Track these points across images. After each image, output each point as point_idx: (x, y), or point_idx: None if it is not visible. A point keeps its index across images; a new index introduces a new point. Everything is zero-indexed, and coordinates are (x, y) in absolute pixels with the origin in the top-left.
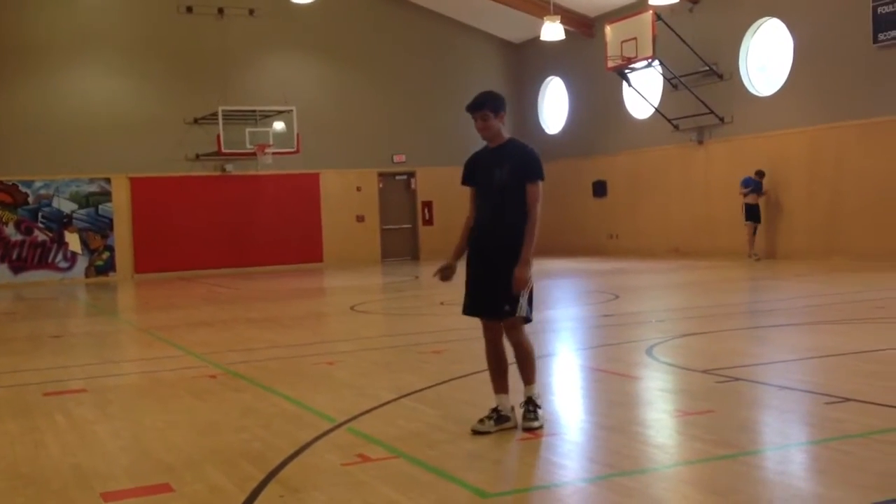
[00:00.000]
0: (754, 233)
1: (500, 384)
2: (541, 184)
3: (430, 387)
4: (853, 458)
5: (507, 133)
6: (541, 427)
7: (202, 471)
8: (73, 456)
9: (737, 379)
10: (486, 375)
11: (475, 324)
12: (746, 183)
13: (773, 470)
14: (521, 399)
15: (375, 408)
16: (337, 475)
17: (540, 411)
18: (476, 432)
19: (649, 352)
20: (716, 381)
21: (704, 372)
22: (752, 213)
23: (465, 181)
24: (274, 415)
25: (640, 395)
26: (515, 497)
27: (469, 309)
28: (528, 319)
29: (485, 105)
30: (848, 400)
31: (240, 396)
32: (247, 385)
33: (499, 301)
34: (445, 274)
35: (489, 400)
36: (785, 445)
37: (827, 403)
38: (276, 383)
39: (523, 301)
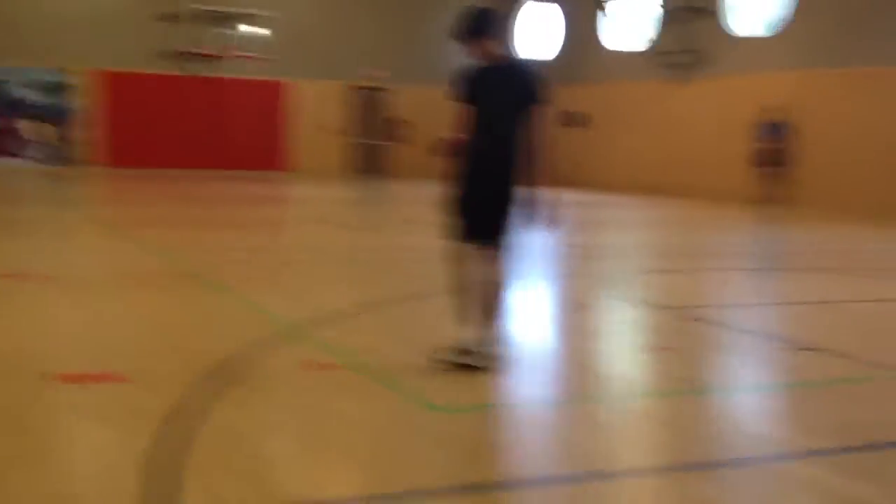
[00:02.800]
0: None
1: (466, 316)
2: (549, 109)
3: (388, 301)
4: (813, 405)
5: (505, 50)
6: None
7: (157, 362)
8: (29, 339)
9: (700, 319)
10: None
11: (439, 244)
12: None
13: (730, 409)
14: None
15: (332, 317)
16: (287, 378)
17: (490, 352)
18: (435, 362)
19: (614, 285)
20: (679, 318)
21: (668, 308)
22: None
23: (463, 98)
24: (230, 315)
25: (598, 328)
26: (464, 414)
27: (465, 233)
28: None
29: (478, 32)
30: (812, 349)
31: (197, 295)
32: (205, 284)
33: (493, 228)
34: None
35: (444, 319)
36: (745, 388)
37: (790, 350)
38: (234, 285)
39: (510, 230)
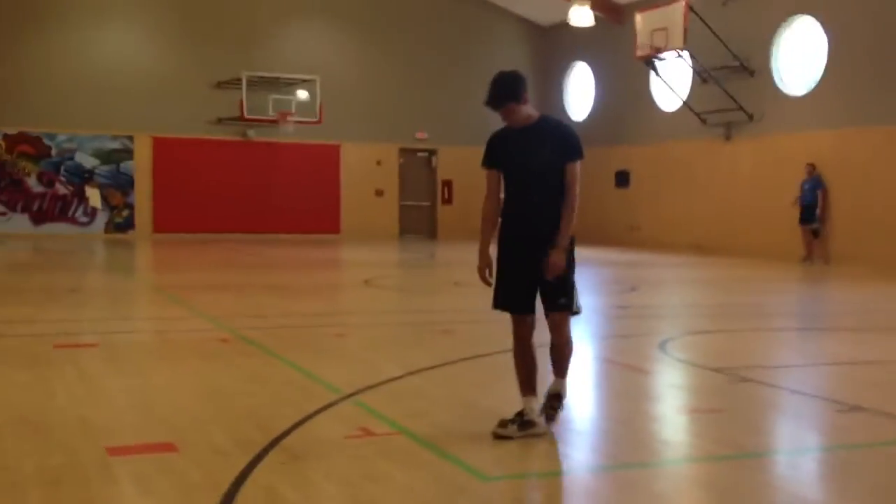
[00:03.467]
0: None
1: (529, 385)
2: (580, 163)
3: (438, 366)
4: (856, 468)
5: (534, 111)
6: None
7: (206, 433)
8: (81, 408)
9: (748, 380)
10: (497, 358)
11: (488, 306)
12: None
13: (774, 474)
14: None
15: (382, 383)
16: (339, 447)
17: (565, 401)
18: (497, 437)
19: (662, 346)
20: (727, 380)
21: (716, 370)
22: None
23: (489, 164)
24: (281, 382)
25: (650, 390)
26: (514, 482)
27: (503, 302)
28: (577, 312)
29: (504, 100)
30: (858, 409)
31: (249, 362)
32: (257, 351)
33: (552, 293)
34: (485, 277)
35: (497, 383)
36: (789, 450)
37: (837, 411)
38: (286, 351)
39: (576, 293)
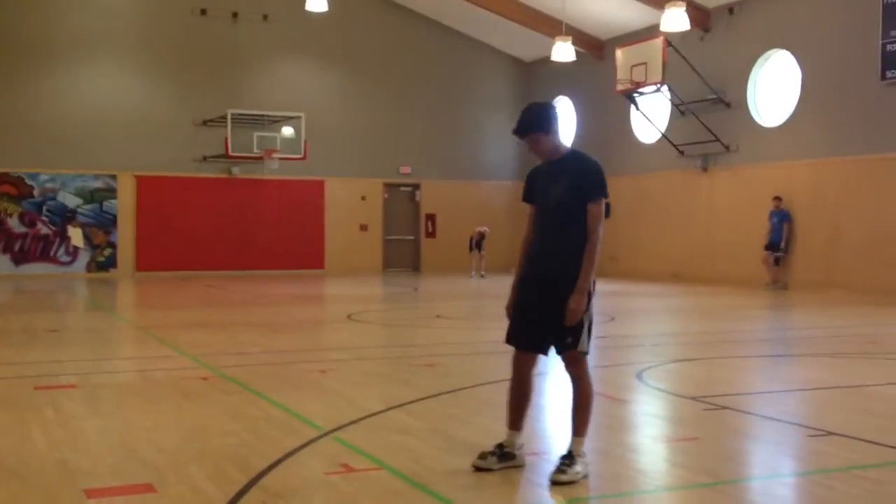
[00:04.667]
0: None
1: (516, 420)
2: (604, 202)
3: (419, 399)
4: (832, 493)
5: (565, 145)
6: (569, 483)
7: (186, 473)
8: (59, 451)
9: (725, 407)
10: (478, 391)
11: (470, 339)
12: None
13: (750, 501)
14: (564, 450)
15: (363, 418)
16: (320, 484)
17: (577, 468)
18: (477, 469)
19: (640, 376)
20: (704, 408)
21: (693, 399)
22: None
23: (525, 198)
24: (262, 420)
25: (628, 419)
26: None
27: (513, 338)
28: (586, 352)
29: (532, 128)
30: (832, 434)
31: (230, 400)
32: (238, 389)
33: (554, 335)
34: (511, 311)
35: (478, 416)
36: (766, 476)
37: (811, 436)
38: (266, 389)
39: (585, 333)
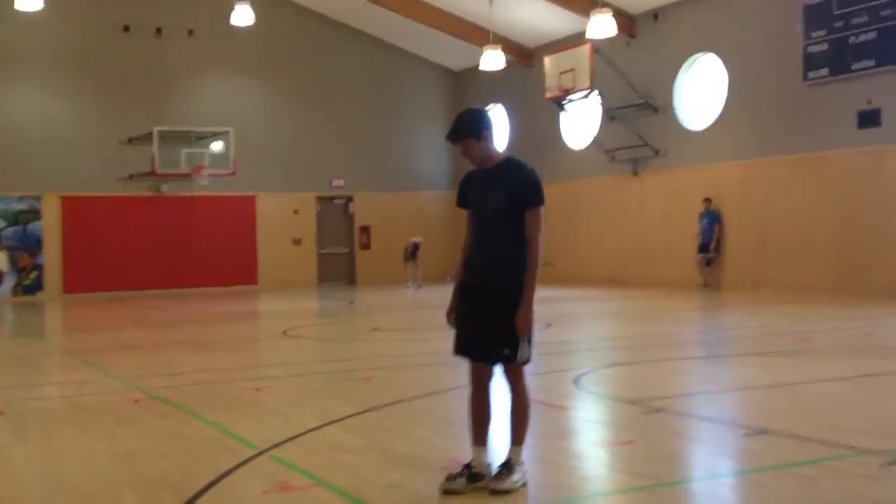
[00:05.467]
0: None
1: (480, 436)
2: (542, 210)
3: (356, 414)
4: (766, 492)
5: (499, 151)
6: (508, 492)
7: (119, 500)
8: None
9: (661, 410)
10: (415, 403)
11: (408, 351)
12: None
13: (689, 502)
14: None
15: (300, 435)
16: (256, 503)
17: (514, 477)
18: (446, 492)
19: (577, 381)
20: (640, 411)
21: (630, 402)
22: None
23: (459, 203)
24: (196, 441)
25: (566, 426)
26: None
27: (459, 350)
28: (524, 361)
29: (461, 134)
30: (766, 432)
31: (163, 422)
32: (171, 410)
33: (492, 344)
34: (451, 318)
35: (415, 428)
36: (703, 477)
37: (746, 435)
38: (201, 409)
39: (524, 343)
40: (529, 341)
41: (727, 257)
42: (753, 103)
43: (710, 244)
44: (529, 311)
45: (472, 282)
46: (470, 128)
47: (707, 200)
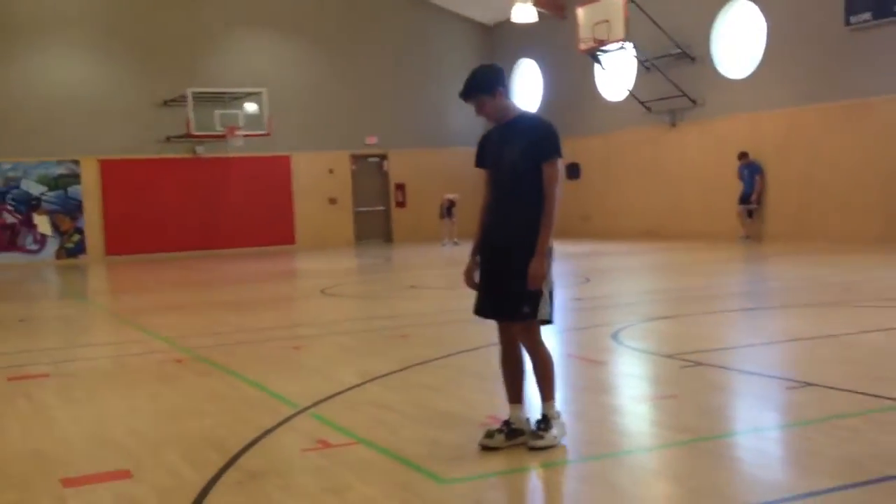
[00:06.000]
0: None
1: (515, 393)
2: (559, 162)
3: (394, 371)
4: (811, 444)
5: (517, 107)
6: (547, 448)
7: (162, 457)
8: (34, 441)
9: (701, 364)
10: (452, 360)
11: (445, 308)
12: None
13: (730, 456)
14: (537, 415)
15: (339, 393)
16: (297, 461)
17: (553, 432)
18: (484, 448)
19: (616, 336)
20: (681, 365)
21: (669, 356)
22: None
23: (477, 163)
24: (238, 400)
25: (605, 381)
26: (471, 483)
27: (480, 309)
28: (548, 321)
29: (473, 91)
30: (809, 384)
31: (205, 381)
32: (212, 370)
33: (514, 302)
34: (469, 278)
35: (453, 385)
36: (745, 431)
37: (789, 388)
38: (241, 368)
39: (544, 301)
40: (550, 300)
41: (769, 208)
42: (793, 50)
43: (752, 195)
44: (542, 261)
45: (491, 242)
46: (483, 84)
47: (743, 155)
